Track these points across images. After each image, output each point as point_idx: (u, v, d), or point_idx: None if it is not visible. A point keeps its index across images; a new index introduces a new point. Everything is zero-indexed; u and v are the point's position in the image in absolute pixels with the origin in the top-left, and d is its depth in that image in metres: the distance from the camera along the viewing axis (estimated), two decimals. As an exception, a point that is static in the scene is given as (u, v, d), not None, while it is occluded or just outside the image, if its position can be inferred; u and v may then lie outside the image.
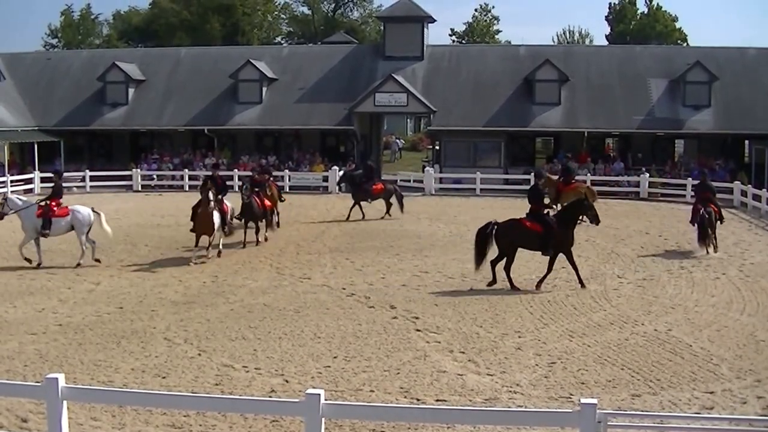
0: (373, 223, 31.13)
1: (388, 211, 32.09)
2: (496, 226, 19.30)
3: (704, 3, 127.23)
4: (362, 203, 31.83)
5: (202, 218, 23.04)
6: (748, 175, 41.53)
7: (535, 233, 19.19)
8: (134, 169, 45.87)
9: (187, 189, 44.48)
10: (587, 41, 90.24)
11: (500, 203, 38.24)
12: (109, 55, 54.58)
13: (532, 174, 23.24)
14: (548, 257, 19.43)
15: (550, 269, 19.37)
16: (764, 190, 34.48)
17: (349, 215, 31.65)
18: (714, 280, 20.19)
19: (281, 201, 29.27)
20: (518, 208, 36.04)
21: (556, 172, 44.09)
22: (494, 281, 19.31)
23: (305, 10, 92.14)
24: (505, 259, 19.35)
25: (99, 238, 23.27)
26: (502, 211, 34.21)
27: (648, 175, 41.79)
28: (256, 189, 26.42)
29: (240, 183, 29.65)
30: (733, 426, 10.23)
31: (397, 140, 68.46)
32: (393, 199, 31.98)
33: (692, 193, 27.02)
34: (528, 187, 20.69)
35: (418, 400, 11.90)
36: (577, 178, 32.90)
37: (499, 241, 19.26)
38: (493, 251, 19.39)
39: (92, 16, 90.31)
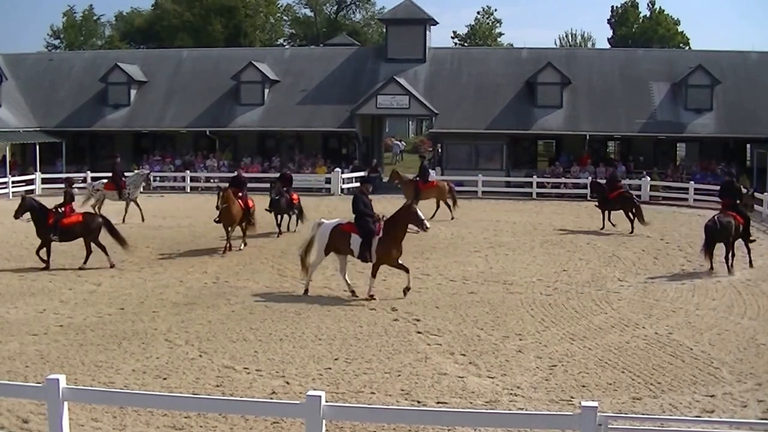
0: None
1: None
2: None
3: (706, 7, 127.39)
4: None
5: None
6: (750, 179, 41.52)
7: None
8: (136, 171, 45.80)
9: (188, 190, 44.53)
10: (589, 44, 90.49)
11: (502, 206, 38.27)
12: (112, 56, 54.63)
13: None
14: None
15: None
16: (766, 193, 34.45)
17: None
18: (715, 284, 20.17)
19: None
20: (519, 210, 36.26)
21: (557, 175, 44.38)
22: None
23: (307, 12, 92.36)
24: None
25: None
26: (504, 214, 34.36)
27: (649, 178, 41.77)
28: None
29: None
30: (734, 429, 10.24)
31: (398, 143, 68.44)
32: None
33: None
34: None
35: (418, 402, 11.90)
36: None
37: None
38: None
39: (94, 17, 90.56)
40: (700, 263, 22.65)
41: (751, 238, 22.74)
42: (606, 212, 30.38)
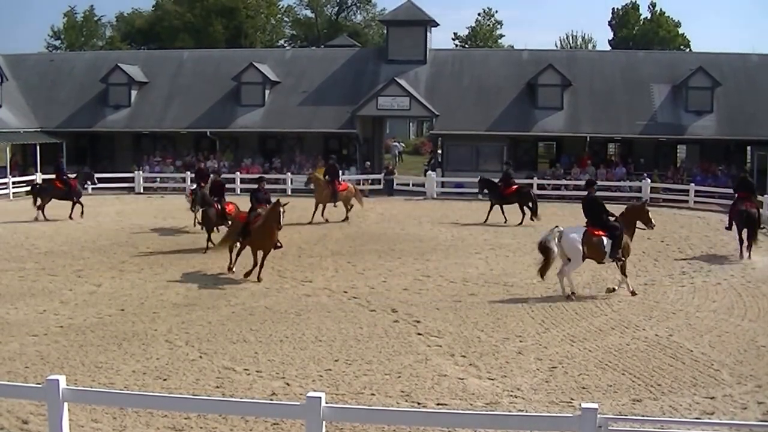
0: (375, 226, 31.15)
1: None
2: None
3: (707, 9, 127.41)
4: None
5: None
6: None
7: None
8: (136, 172, 45.86)
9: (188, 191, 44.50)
10: (590, 46, 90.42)
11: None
12: (112, 57, 54.62)
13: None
14: None
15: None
16: (766, 196, 34.43)
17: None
18: (715, 286, 20.18)
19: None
20: (519, 212, 36.17)
21: (558, 176, 44.37)
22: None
23: (308, 13, 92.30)
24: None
25: (101, 239, 23.26)
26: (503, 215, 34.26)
27: (650, 180, 41.77)
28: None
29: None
30: (734, 431, 10.23)
31: (397, 144, 68.44)
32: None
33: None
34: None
35: (418, 403, 11.90)
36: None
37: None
38: None
39: (95, 18, 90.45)
40: (699, 265, 22.70)
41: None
42: (499, 207, 32.33)
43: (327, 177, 32.77)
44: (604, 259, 19.04)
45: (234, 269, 21.47)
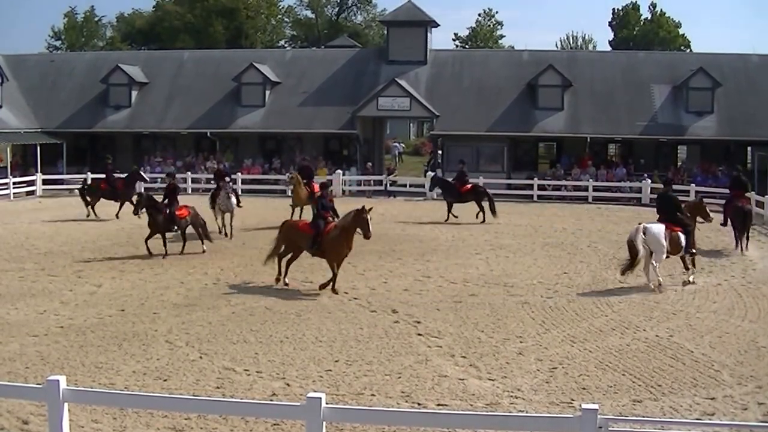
0: (375, 227, 30.90)
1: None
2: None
3: (708, 10, 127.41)
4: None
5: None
6: (751, 182, 41.45)
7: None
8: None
9: (189, 192, 44.47)
10: (591, 47, 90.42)
11: (502, 208, 38.16)
12: (113, 58, 54.64)
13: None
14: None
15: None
16: (767, 196, 34.44)
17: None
18: (716, 287, 20.17)
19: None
20: (520, 212, 36.25)
21: (558, 177, 44.39)
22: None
23: (309, 13, 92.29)
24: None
25: (102, 240, 23.25)
26: (504, 216, 34.30)
27: (650, 181, 41.76)
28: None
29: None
30: (734, 432, 10.23)
31: (397, 144, 68.46)
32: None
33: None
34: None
35: (419, 404, 11.90)
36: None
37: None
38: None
39: (96, 18, 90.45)
40: (700, 266, 22.69)
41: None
42: (452, 205, 33.16)
43: (302, 179, 31.15)
44: (680, 252, 20.25)
45: (287, 282, 20.12)
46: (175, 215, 24.47)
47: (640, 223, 20.11)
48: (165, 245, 24.19)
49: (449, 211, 33.03)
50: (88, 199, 33.45)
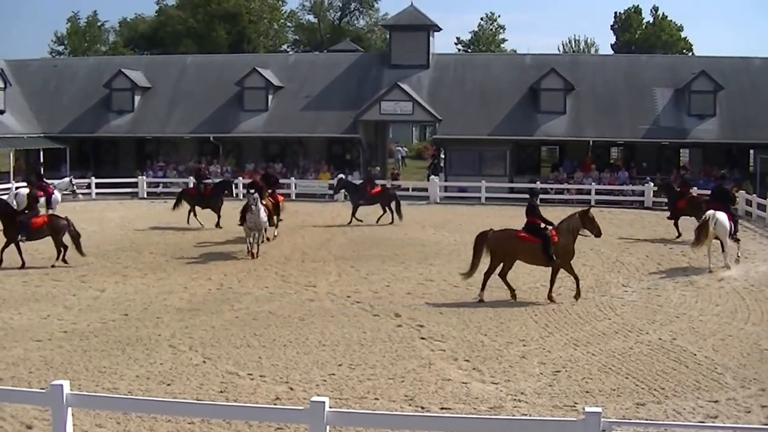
0: (378, 231, 31.15)
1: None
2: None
3: (709, 13, 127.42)
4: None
5: None
6: (753, 185, 41.48)
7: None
8: (140, 177, 45.90)
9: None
10: (593, 50, 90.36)
11: (505, 212, 38.21)
12: (115, 63, 54.67)
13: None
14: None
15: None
16: (769, 198, 34.44)
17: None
18: (718, 290, 20.17)
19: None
20: (523, 216, 36.13)
21: (561, 181, 44.38)
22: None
23: (311, 18, 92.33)
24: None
25: (105, 244, 23.25)
26: (507, 220, 34.28)
27: (652, 184, 41.73)
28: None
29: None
30: (738, 435, 10.24)
31: (400, 148, 68.49)
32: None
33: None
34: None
35: (422, 408, 11.91)
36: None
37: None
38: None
39: (98, 23, 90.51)
40: (702, 268, 22.69)
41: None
42: (357, 207, 33.23)
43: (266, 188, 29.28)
44: (728, 237, 22.84)
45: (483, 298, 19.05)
46: (28, 223, 23.22)
47: (708, 210, 23.00)
48: (20, 254, 23.14)
49: (353, 213, 33.13)
50: (188, 206, 32.06)
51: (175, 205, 32.34)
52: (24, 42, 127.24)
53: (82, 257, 23.49)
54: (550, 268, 19.16)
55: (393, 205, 33.21)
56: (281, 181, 42.95)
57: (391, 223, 32.68)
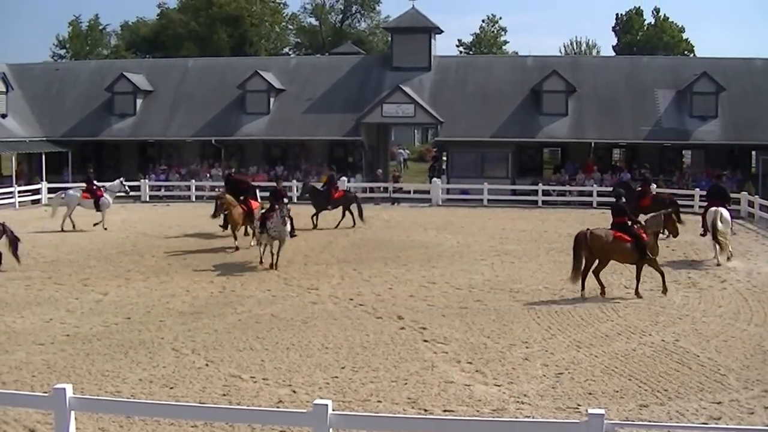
0: (381, 233, 31.16)
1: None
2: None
3: (711, 14, 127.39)
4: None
5: None
6: (755, 186, 41.46)
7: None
8: (142, 180, 45.92)
9: (194, 199, 44.58)
10: (594, 52, 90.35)
11: (507, 214, 38.25)
12: (117, 66, 54.74)
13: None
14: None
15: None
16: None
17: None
18: (721, 291, 20.16)
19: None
20: (525, 218, 36.23)
21: (563, 182, 44.37)
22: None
23: (313, 21, 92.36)
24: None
25: (107, 248, 23.26)
26: (509, 222, 34.37)
27: (655, 185, 41.67)
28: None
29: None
30: (741, 437, 10.22)
31: (402, 151, 68.51)
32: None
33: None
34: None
35: (425, 410, 11.90)
36: None
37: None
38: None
39: (100, 27, 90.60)
40: (705, 270, 22.68)
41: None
42: (319, 212, 33.20)
43: (235, 195, 28.48)
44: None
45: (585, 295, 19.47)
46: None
47: (714, 209, 23.95)
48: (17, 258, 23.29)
49: (315, 216, 33.07)
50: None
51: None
52: (26, 46, 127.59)
53: (18, 264, 23.14)
54: (634, 266, 19.93)
55: (354, 208, 33.18)
56: (284, 183, 42.83)
57: (353, 226, 32.62)
